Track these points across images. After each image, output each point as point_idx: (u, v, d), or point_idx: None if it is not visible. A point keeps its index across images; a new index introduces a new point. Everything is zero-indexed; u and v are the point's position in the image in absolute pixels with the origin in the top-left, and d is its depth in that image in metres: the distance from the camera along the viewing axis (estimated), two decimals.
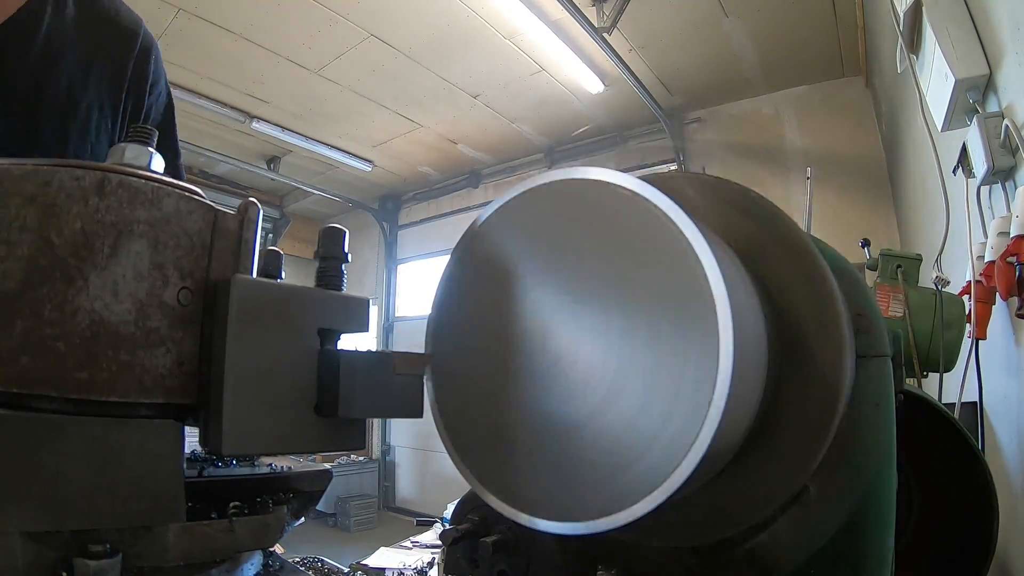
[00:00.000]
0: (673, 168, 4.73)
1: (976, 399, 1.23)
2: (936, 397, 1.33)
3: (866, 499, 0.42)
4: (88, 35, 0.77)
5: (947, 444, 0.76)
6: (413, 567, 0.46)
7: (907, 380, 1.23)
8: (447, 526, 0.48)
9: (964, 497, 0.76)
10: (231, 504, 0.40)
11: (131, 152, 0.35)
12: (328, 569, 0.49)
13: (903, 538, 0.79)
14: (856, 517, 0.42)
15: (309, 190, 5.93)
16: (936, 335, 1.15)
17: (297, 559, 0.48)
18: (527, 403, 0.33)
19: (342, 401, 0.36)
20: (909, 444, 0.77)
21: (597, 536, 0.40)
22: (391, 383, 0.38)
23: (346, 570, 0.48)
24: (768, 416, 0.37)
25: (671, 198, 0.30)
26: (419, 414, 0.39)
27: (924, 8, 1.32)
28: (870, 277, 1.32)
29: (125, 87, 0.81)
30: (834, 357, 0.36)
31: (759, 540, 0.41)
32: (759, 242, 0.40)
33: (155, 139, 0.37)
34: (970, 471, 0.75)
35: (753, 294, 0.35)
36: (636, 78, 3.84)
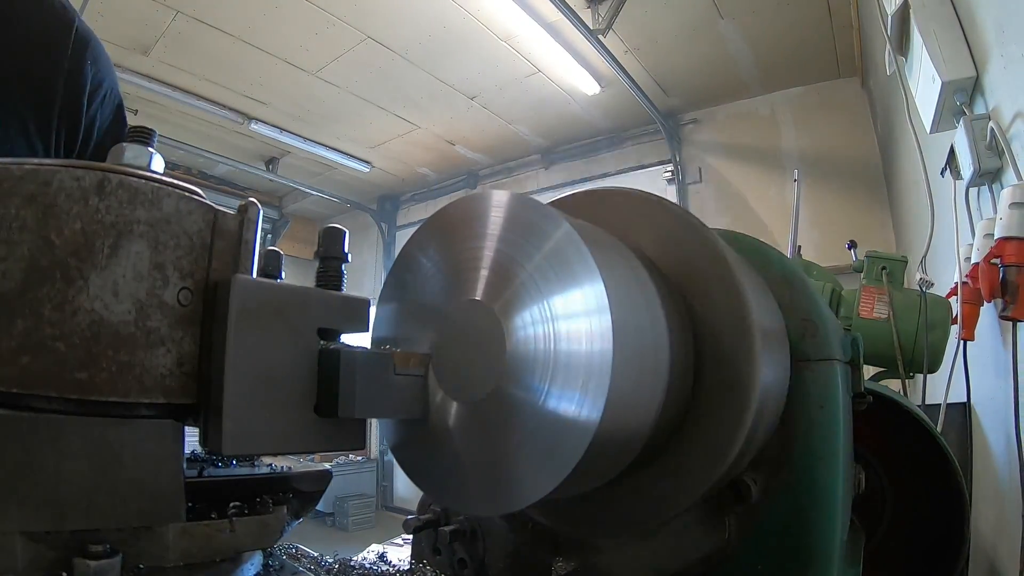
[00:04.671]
0: (669, 170, 4.74)
1: (965, 400, 1.23)
2: (920, 398, 1.34)
3: (813, 498, 0.44)
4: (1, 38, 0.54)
5: (920, 445, 0.77)
6: (376, 552, 0.50)
7: (887, 381, 1.24)
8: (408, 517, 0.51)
9: (936, 497, 0.77)
10: (231, 504, 0.40)
11: (131, 152, 0.35)
12: (300, 554, 0.50)
13: (876, 536, 0.80)
14: (804, 515, 0.44)
15: (307, 191, 5.92)
16: (920, 336, 1.16)
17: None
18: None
19: (342, 401, 0.36)
20: (881, 444, 0.78)
21: (551, 528, 0.42)
22: (391, 383, 0.38)
23: (314, 554, 0.50)
24: (688, 413, 0.40)
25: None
26: (420, 414, 0.39)
27: (911, 10, 1.33)
28: (857, 279, 1.33)
29: (56, 105, 0.57)
30: (744, 358, 0.39)
31: (709, 535, 0.43)
32: (682, 257, 0.43)
33: (155, 139, 0.37)
34: (942, 472, 0.76)
35: (654, 303, 0.38)
36: (632, 79, 3.86)
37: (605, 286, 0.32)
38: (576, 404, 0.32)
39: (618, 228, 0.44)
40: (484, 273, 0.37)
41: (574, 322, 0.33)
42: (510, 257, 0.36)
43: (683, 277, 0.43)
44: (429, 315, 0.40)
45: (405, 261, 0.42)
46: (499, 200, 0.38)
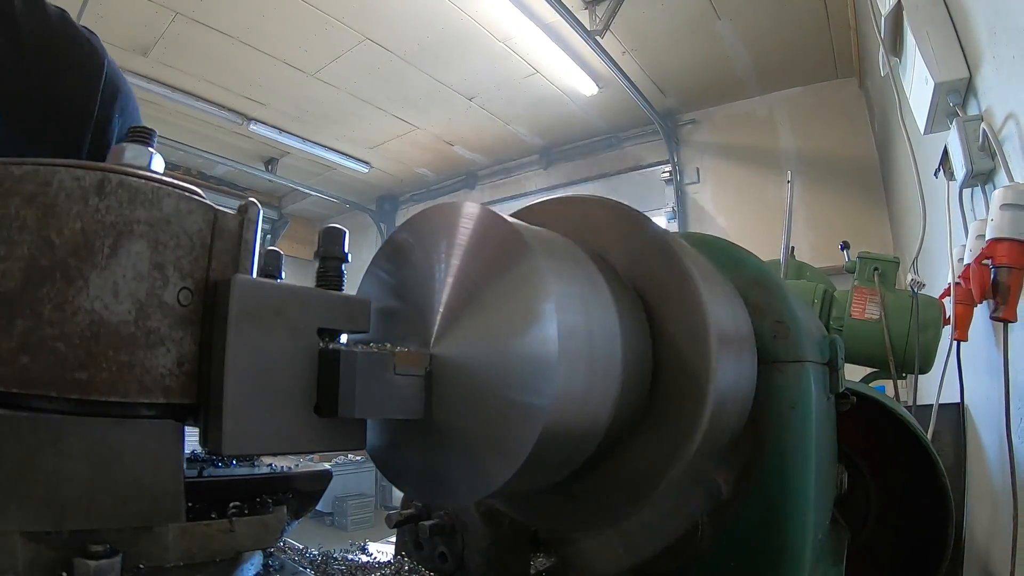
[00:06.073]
0: (667, 171, 4.75)
1: (958, 400, 1.24)
2: (911, 399, 1.35)
3: (785, 497, 0.45)
4: (38, 82, 0.49)
5: (905, 446, 0.77)
6: (356, 544, 0.53)
7: (880, 382, 1.25)
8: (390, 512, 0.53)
9: (921, 497, 0.78)
10: (231, 504, 0.40)
11: (131, 152, 0.35)
12: (286, 547, 0.52)
13: (862, 536, 0.80)
14: (775, 514, 0.45)
15: (307, 191, 5.92)
16: (912, 337, 1.17)
17: None
18: None
19: (342, 401, 0.36)
20: (867, 445, 0.79)
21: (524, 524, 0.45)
22: (391, 383, 0.38)
23: (300, 546, 0.52)
24: (648, 414, 0.42)
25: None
26: (420, 414, 0.39)
27: (905, 12, 1.34)
28: (849, 280, 1.34)
29: (82, 157, 0.53)
30: (700, 358, 0.40)
31: (682, 534, 0.45)
32: (641, 262, 0.45)
33: (155, 139, 0.37)
34: (927, 472, 0.76)
35: (607, 307, 0.39)
36: (629, 80, 3.87)
37: (553, 292, 0.34)
38: (527, 396, 0.34)
39: (581, 235, 0.45)
40: (448, 280, 0.39)
41: (522, 322, 0.35)
42: (466, 265, 0.38)
43: (642, 281, 0.44)
44: (396, 318, 0.42)
45: (377, 267, 0.44)
46: (461, 212, 0.39)
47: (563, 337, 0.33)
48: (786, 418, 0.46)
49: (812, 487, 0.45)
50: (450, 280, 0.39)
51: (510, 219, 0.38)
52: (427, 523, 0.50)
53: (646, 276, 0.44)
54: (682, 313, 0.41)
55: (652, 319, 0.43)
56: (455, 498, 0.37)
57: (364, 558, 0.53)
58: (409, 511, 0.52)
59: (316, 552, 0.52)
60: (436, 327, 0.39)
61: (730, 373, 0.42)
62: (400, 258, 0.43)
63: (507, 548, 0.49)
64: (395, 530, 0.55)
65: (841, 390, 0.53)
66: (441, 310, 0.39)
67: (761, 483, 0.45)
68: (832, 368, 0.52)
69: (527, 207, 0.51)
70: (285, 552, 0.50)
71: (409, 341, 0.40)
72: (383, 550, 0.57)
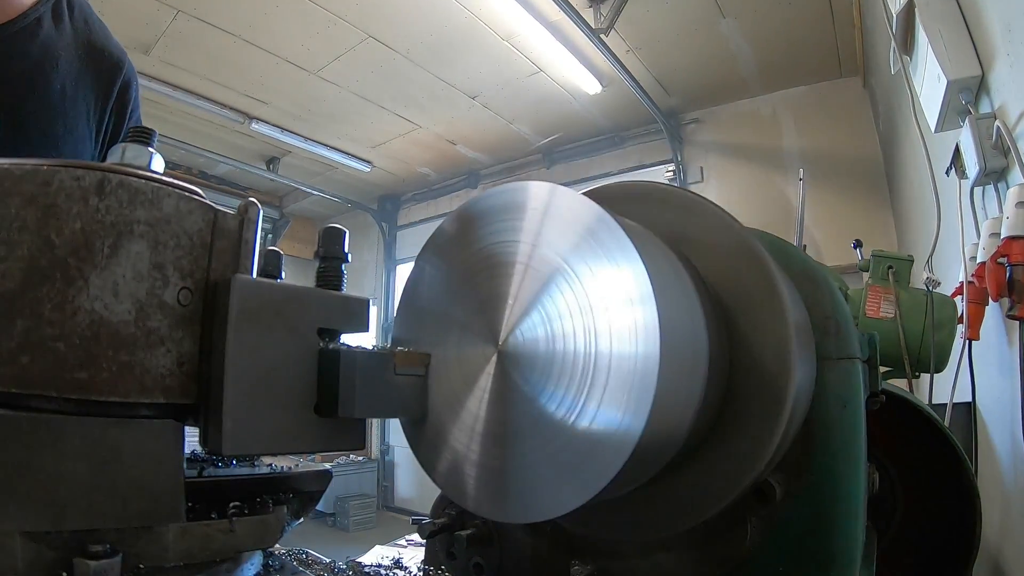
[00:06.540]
0: (671, 170, 4.73)
1: (970, 399, 1.23)
2: (926, 398, 1.33)
3: (835, 499, 0.43)
4: (81, 55, 0.85)
5: (931, 444, 0.76)
6: (392, 557, 0.49)
7: (893, 380, 1.24)
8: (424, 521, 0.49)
9: (948, 496, 0.77)
10: (231, 504, 0.40)
11: (131, 152, 0.35)
12: (311, 560, 0.50)
13: (888, 536, 0.79)
14: (825, 517, 0.43)
15: (308, 191, 5.93)
16: (927, 336, 1.15)
17: (283, 551, 0.49)
18: None
19: (342, 401, 0.36)
20: (892, 444, 0.78)
21: (568, 532, 0.41)
22: (391, 383, 0.38)
23: (327, 560, 0.50)
24: (720, 416, 0.39)
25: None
26: (419, 414, 0.39)
27: (917, 9, 1.33)
28: (862, 278, 1.33)
29: (109, 108, 0.90)
30: (779, 360, 0.37)
31: (729, 537, 0.42)
32: (713, 251, 0.42)
33: (155, 139, 0.37)
34: (954, 471, 0.75)
35: (692, 297, 0.35)
36: (633, 79, 3.85)
37: (652, 281, 0.29)
38: (618, 412, 0.28)
39: (647, 222, 0.41)
40: (521, 268, 0.34)
41: (617, 315, 0.29)
42: (543, 251, 0.34)
43: (716, 276, 0.41)
44: (453, 310, 0.38)
45: (428, 259, 0.41)
46: (537, 192, 0.35)
47: (664, 335, 0.28)
48: (837, 418, 0.44)
49: (863, 489, 0.43)
50: (523, 268, 0.34)
51: (593, 202, 0.33)
52: (464, 533, 0.47)
53: (722, 270, 0.41)
54: (761, 311, 0.38)
55: (725, 311, 0.40)
56: (517, 517, 0.33)
57: (400, 573, 0.50)
58: (442, 520, 0.49)
59: (344, 565, 0.49)
60: (505, 321, 0.34)
61: (802, 372, 0.39)
62: (457, 246, 0.38)
63: (546, 557, 0.46)
64: (400, 534, 0.53)
65: (879, 388, 0.50)
66: (511, 302, 0.34)
67: (810, 485, 0.43)
68: (872, 366, 0.50)
69: (589, 191, 0.45)
70: (309, 566, 0.48)
71: (470, 336, 0.36)
72: (415, 556, 0.55)
